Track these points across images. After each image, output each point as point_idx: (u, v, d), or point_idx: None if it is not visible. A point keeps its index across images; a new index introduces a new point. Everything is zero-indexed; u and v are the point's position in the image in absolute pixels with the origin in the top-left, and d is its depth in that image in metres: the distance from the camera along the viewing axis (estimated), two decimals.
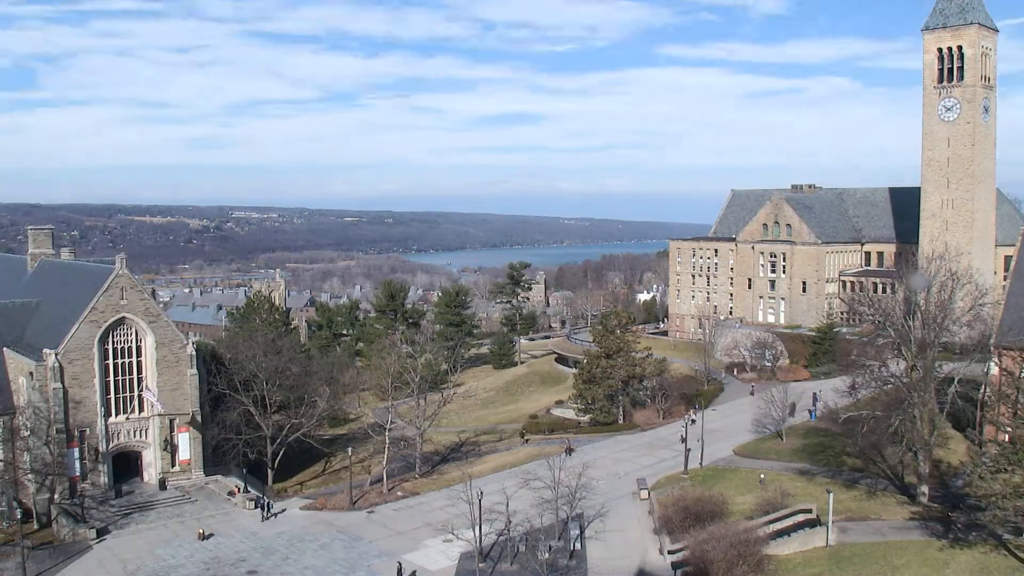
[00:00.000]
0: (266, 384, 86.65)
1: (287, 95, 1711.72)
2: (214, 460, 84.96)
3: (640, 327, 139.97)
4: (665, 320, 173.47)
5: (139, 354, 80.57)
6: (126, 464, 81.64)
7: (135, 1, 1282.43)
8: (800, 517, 62.13)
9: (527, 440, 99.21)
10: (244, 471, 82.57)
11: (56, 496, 74.30)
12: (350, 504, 74.85)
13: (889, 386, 68.15)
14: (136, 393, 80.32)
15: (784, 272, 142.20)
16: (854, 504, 65.81)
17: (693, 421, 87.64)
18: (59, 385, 75.28)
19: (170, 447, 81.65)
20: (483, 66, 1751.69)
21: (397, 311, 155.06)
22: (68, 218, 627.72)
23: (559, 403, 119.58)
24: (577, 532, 62.92)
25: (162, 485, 79.81)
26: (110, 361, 79.23)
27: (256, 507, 73.83)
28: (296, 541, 66.79)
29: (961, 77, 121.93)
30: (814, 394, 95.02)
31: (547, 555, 56.97)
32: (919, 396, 65.16)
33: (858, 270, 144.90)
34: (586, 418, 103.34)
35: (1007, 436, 57.71)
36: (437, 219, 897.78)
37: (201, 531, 67.98)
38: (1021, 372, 65.40)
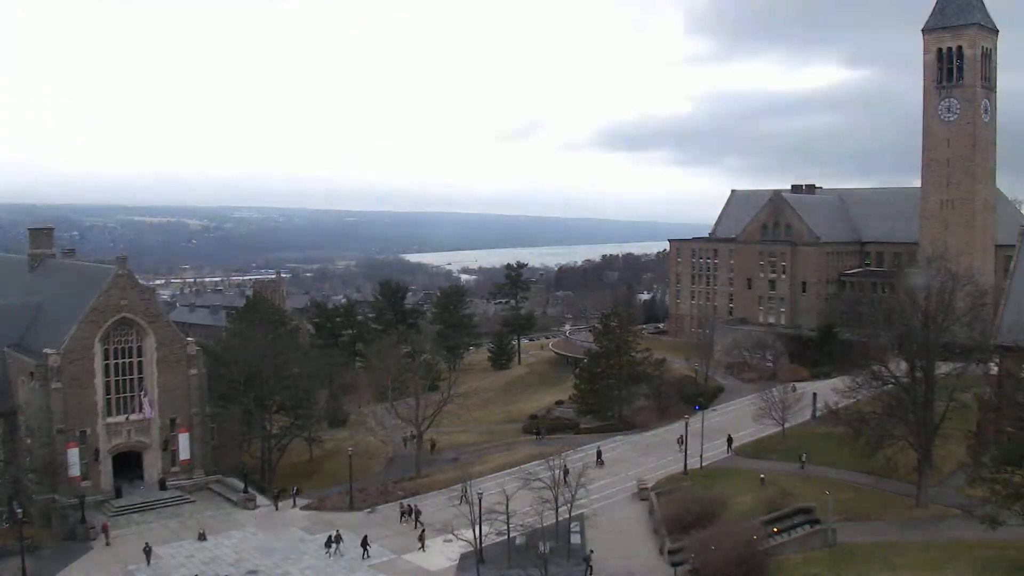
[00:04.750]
0: (266, 384, 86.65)
1: None
2: (214, 460, 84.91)
3: (640, 327, 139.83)
4: (665, 320, 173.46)
5: (140, 354, 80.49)
6: (126, 464, 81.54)
7: None
8: (800, 517, 62.19)
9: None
10: (244, 471, 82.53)
11: (56, 496, 74.27)
12: (350, 504, 74.83)
13: (890, 386, 68.13)
14: (136, 393, 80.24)
15: (784, 272, 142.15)
16: (854, 504, 65.84)
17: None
18: (59, 385, 75.25)
19: (170, 447, 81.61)
20: None
21: (396, 311, 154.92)
22: (68, 218, 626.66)
23: (559, 403, 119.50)
24: (577, 532, 62.91)
25: (162, 485, 79.72)
26: (111, 361, 79.13)
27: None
28: (296, 541, 66.81)
29: (961, 78, 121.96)
30: (814, 394, 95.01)
31: (547, 555, 56.92)
32: (919, 396, 65.16)
33: (858, 270, 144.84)
34: (586, 418, 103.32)
35: (1007, 436, 57.72)
36: (437, 219, 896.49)
37: (201, 531, 67.99)
38: (1021, 372, 65.42)
